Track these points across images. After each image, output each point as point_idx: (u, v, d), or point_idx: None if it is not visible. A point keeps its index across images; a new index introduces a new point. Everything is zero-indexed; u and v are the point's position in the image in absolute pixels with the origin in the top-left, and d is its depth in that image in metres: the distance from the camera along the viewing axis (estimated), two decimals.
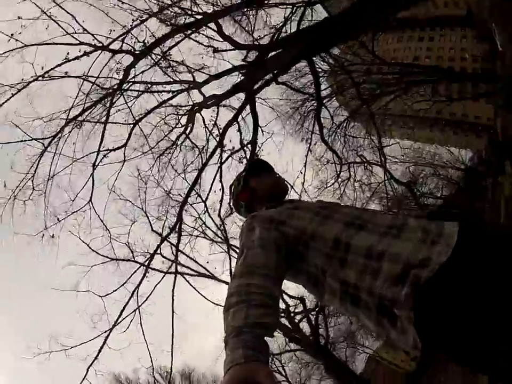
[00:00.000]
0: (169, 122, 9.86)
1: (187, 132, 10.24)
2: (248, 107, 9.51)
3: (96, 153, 9.14)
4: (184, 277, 10.68)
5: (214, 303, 11.34)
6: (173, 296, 9.27)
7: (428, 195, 23.80)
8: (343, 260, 1.27)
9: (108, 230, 9.85)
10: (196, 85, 9.68)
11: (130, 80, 9.38)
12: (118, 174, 9.54)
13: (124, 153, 9.53)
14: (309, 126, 13.26)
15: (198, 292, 10.95)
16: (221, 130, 9.32)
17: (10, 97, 8.15)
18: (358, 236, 1.28)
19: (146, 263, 9.45)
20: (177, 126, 10.14)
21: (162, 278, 9.55)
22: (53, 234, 9.34)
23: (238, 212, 2.00)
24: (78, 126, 8.29)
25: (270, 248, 1.35)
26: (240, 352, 0.99)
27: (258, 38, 11.34)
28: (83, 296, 10.00)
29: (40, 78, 7.74)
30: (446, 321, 1.07)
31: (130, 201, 10.84)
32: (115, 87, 8.15)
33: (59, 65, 7.81)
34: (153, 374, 11.37)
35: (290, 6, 16.22)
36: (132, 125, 9.42)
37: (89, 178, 8.99)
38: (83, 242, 9.82)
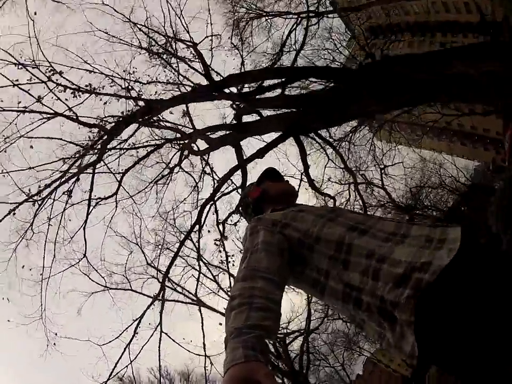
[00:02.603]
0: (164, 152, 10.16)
1: (182, 159, 10.54)
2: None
3: (87, 201, 9.50)
4: (169, 336, 10.60)
5: (198, 355, 11.10)
6: (159, 352, 9.77)
7: (431, 208, 23.67)
8: (346, 262, 1.28)
9: (104, 278, 10.39)
10: (184, 136, 9.89)
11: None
12: (112, 217, 9.96)
13: (116, 200, 9.91)
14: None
15: (185, 349, 11.10)
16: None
17: None
18: (360, 239, 1.29)
19: (136, 325, 9.88)
20: (175, 152, 10.44)
21: (149, 338, 9.91)
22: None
23: (245, 215, 2.03)
24: (66, 193, 8.71)
25: (273, 252, 1.36)
26: (240, 352, 1.00)
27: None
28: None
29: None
30: (444, 331, 1.05)
31: (126, 238, 11.43)
32: (94, 159, 8.50)
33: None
34: None
35: (296, 16, 15.72)
36: (120, 174, 9.75)
37: (79, 229, 9.40)
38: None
